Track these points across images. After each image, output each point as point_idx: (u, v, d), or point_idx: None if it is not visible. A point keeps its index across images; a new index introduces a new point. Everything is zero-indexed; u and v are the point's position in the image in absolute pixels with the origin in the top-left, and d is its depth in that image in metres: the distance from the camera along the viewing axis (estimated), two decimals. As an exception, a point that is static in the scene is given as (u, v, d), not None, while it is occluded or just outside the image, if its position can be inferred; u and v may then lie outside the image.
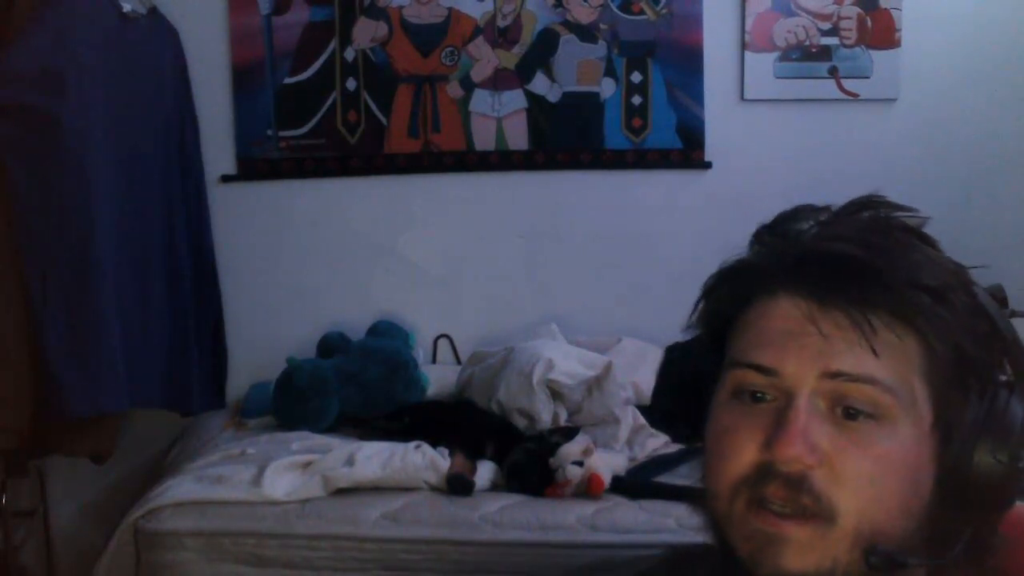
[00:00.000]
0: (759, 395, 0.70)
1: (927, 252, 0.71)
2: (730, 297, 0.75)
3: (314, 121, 2.77)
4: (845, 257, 0.69)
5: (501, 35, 2.79)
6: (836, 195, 0.77)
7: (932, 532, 0.70)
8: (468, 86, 2.79)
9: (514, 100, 2.80)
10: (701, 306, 0.77)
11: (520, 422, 2.21)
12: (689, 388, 0.79)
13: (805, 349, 0.69)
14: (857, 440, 0.67)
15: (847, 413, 0.68)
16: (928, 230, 0.75)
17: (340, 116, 2.77)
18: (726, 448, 0.70)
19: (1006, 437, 0.68)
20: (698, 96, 2.82)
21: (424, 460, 1.98)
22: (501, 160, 2.82)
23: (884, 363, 0.68)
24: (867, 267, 0.68)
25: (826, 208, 0.74)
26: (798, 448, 0.66)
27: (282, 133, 2.77)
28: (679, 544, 0.86)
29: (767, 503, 0.67)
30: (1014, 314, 2.58)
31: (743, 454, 0.69)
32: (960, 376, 0.69)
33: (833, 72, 2.84)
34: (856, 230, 0.72)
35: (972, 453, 0.68)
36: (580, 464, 1.94)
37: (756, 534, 0.68)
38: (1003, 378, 0.70)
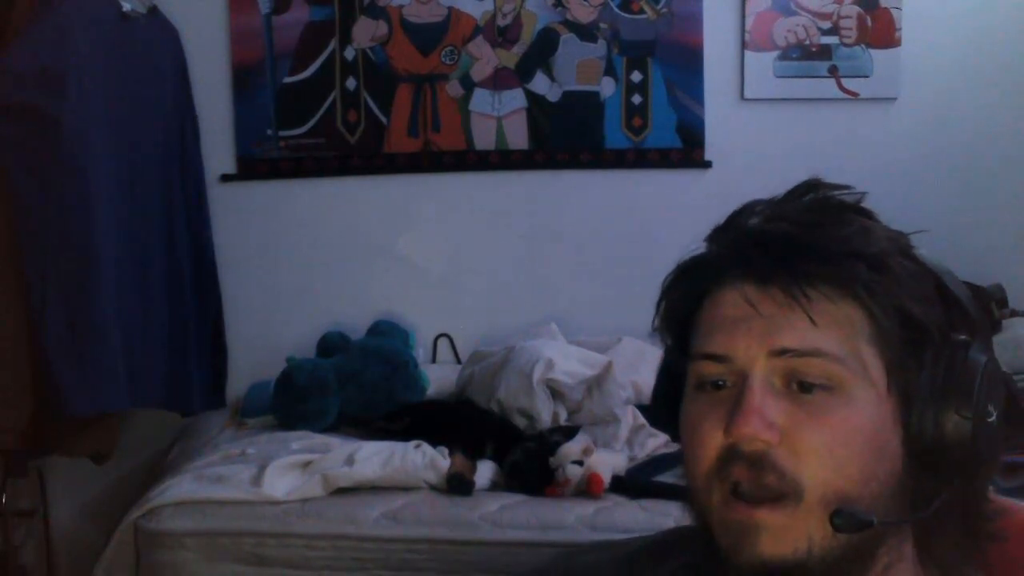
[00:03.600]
0: (720, 382, 0.72)
1: (863, 223, 0.73)
2: (685, 295, 0.77)
3: (314, 121, 2.77)
4: (780, 237, 0.71)
5: (501, 34, 2.79)
6: (836, 194, 0.78)
7: (910, 497, 0.70)
8: (468, 85, 2.79)
9: (514, 99, 2.80)
10: (663, 306, 0.80)
11: (520, 422, 2.21)
12: (670, 384, 0.81)
13: (752, 331, 0.70)
14: (812, 412, 0.69)
15: (801, 387, 0.69)
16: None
17: (340, 116, 2.77)
18: (695, 441, 0.72)
19: (966, 393, 0.69)
20: (698, 95, 2.82)
21: (424, 460, 1.98)
22: (501, 160, 2.82)
23: (828, 334, 0.69)
24: (800, 243, 0.70)
25: (771, 200, 0.77)
26: (755, 424, 0.68)
27: (282, 133, 2.77)
28: (672, 528, 0.87)
29: (738, 491, 0.69)
30: (1014, 314, 2.58)
31: (710, 442, 0.71)
32: (910, 339, 0.70)
33: (833, 71, 2.84)
34: (794, 212, 0.74)
35: (934, 412, 0.69)
36: (580, 464, 1.94)
37: (732, 525, 0.69)
38: (959, 338, 0.70)
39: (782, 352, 0.69)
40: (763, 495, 0.68)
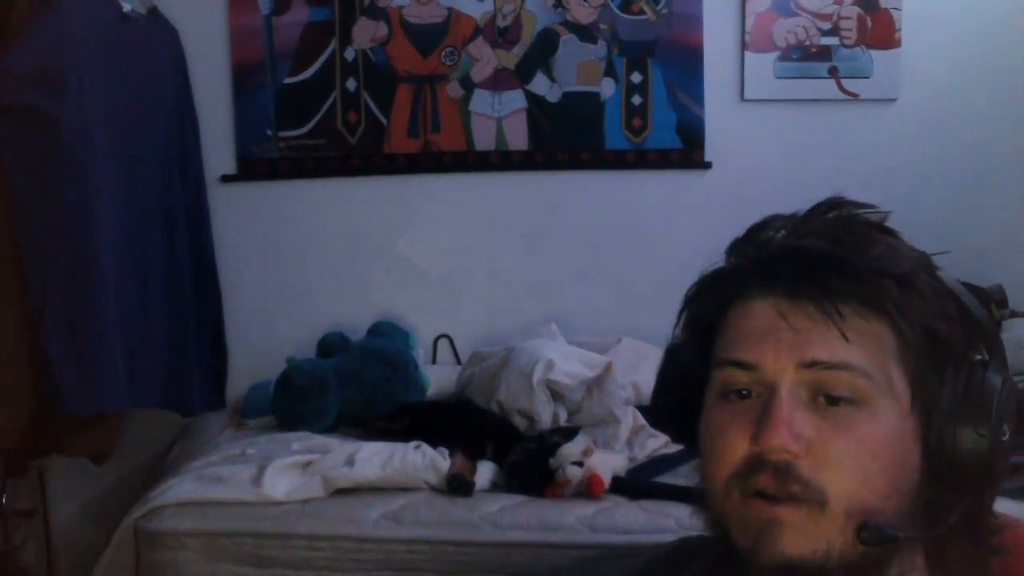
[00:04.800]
0: (744, 392, 0.73)
1: (890, 242, 0.75)
2: (709, 305, 0.79)
3: (314, 121, 2.77)
4: (812, 253, 0.73)
5: (501, 35, 2.79)
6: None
7: (925, 510, 0.72)
8: (468, 86, 2.79)
9: (514, 100, 2.80)
10: (684, 315, 0.81)
11: (520, 422, 2.21)
12: (685, 390, 0.82)
13: (782, 343, 0.72)
14: (839, 425, 0.70)
15: (828, 400, 0.71)
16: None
17: (340, 116, 2.77)
18: (718, 447, 0.73)
19: (985, 412, 0.70)
20: (698, 96, 2.82)
21: (424, 460, 1.98)
22: (501, 160, 2.82)
23: (857, 349, 0.70)
24: (833, 260, 0.72)
25: (794, 215, 0.78)
26: (783, 436, 0.69)
27: (282, 133, 2.77)
28: (684, 537, 0.87)
29: (760, 492, 0.70)
30: (1014, 314, 2.58)
31: (734, 450, 0.72)
32: (934, 356, 0.72)
33: (833, 72, 2.84)
34: (823, 229, 0.75)
35: (954, 429, 0.71)
36: (580, 464, 1.94)
37: (752, 523, 0.70)
38: (977, 357, 0.72)
39: (812, 364, 0.70)
40: (786, 496, 0.69)
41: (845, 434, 0.69)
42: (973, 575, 0.75)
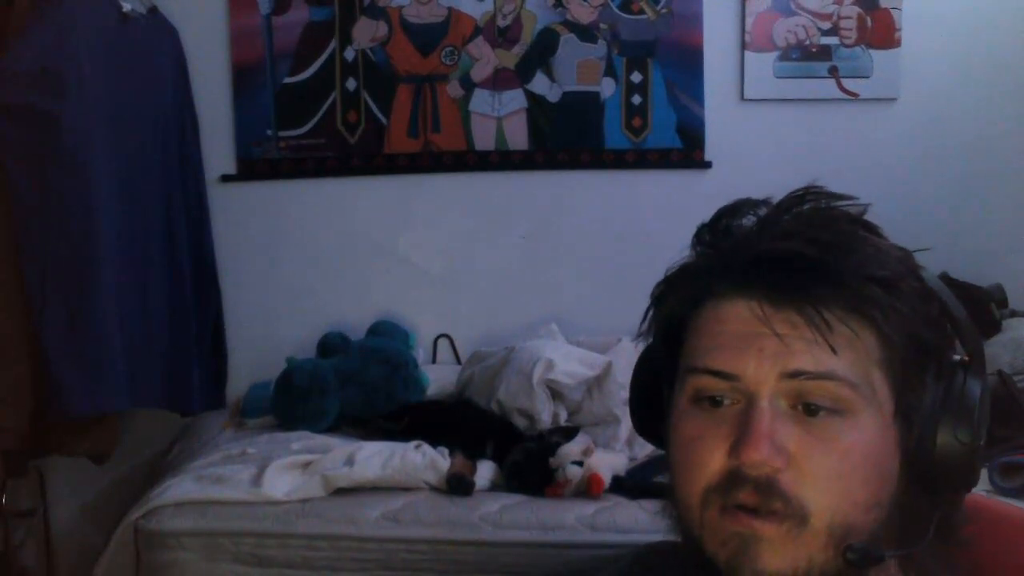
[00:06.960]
0: (718, 399, 0.70)
1: (874, 242, 0.72)
2: (680, 302, 0.76)
3: (314, 121, 2.77)
4: (794, 256, 0.69)
5: (501, 35, 2.79)
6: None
7: (902, 520, 0.70)
8: (468, 86, 2.79)
9: (514, 100, 2.80)
10: (651, 313, 0.79)
11: (520, 422, 2.21)
12: (659, 393, 0.79)
13: (764, 351, 0.68)
14: (821, 437, 0.67)
15: (809, 410, 0.68)
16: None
17: (340, 116, 2.77)
18: (693, 457, 0.70)
19: (966, 416, 0.69)
20: (698, 96, 2.82)
21: (424, 460, 1.98)
22: (501, 160, 2.82)
23: (842, 358, 0.68)
24: (817, 264, 0.68)
25: (766, 201, 0.75)
26: (765, 451, 0.66)
27: (282, 133, 2.77)
28: (648, 543, 0.85)
29: (740, 506, 0.67)
30: (1014, 314, 2.58)
31: (711, 462, 0.69)
32: (917, 361, 0.70)
33: (833, 72, 2.84)
34: (801, 225, 0.72)
35: (935, 436, 0.69)
36: (580, 464, 1.94)
37: (731, 538, 0.68)
38: (956, 358, 0.71)
39: (796, 374, 0.68)
40: (767, 512, 0.66)
41: (828, 446, 0.67)
42: (942, 568, 0.74)
